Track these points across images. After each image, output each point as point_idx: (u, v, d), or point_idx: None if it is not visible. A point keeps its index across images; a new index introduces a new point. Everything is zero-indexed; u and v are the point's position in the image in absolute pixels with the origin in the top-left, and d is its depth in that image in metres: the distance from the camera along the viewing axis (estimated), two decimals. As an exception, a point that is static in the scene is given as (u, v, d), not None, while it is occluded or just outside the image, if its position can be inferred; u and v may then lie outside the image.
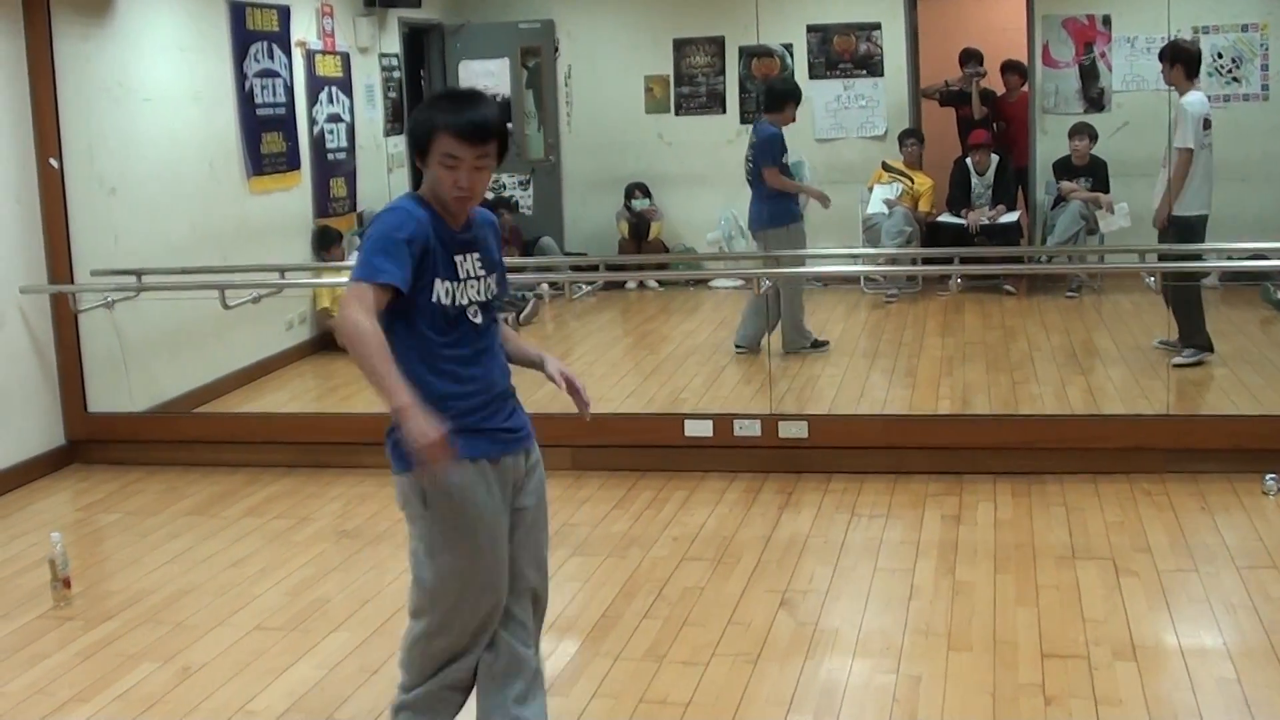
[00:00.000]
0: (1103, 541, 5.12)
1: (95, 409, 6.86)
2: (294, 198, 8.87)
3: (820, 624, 4.47)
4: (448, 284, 3.09)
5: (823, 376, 7.81)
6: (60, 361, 6.79)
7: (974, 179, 10.26)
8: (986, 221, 10.00)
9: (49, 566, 4.89)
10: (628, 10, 11.46)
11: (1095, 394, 7.19)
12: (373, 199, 9.37)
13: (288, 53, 8.74)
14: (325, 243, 8.93)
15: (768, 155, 7.95)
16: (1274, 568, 4.79)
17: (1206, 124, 7.32)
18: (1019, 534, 5.23)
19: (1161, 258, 7.43)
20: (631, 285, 10.73)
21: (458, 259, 3.12)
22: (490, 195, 9.64)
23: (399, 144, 9.98)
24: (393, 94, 10.32)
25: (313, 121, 9.05)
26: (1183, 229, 7.28)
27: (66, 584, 4.89)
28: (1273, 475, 5.58)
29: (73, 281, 6.73)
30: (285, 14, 8.71)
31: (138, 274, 6.87)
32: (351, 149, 9.53)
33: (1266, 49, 9.85)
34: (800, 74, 10.72)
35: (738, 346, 8.20)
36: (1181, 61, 7.33)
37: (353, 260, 9.05)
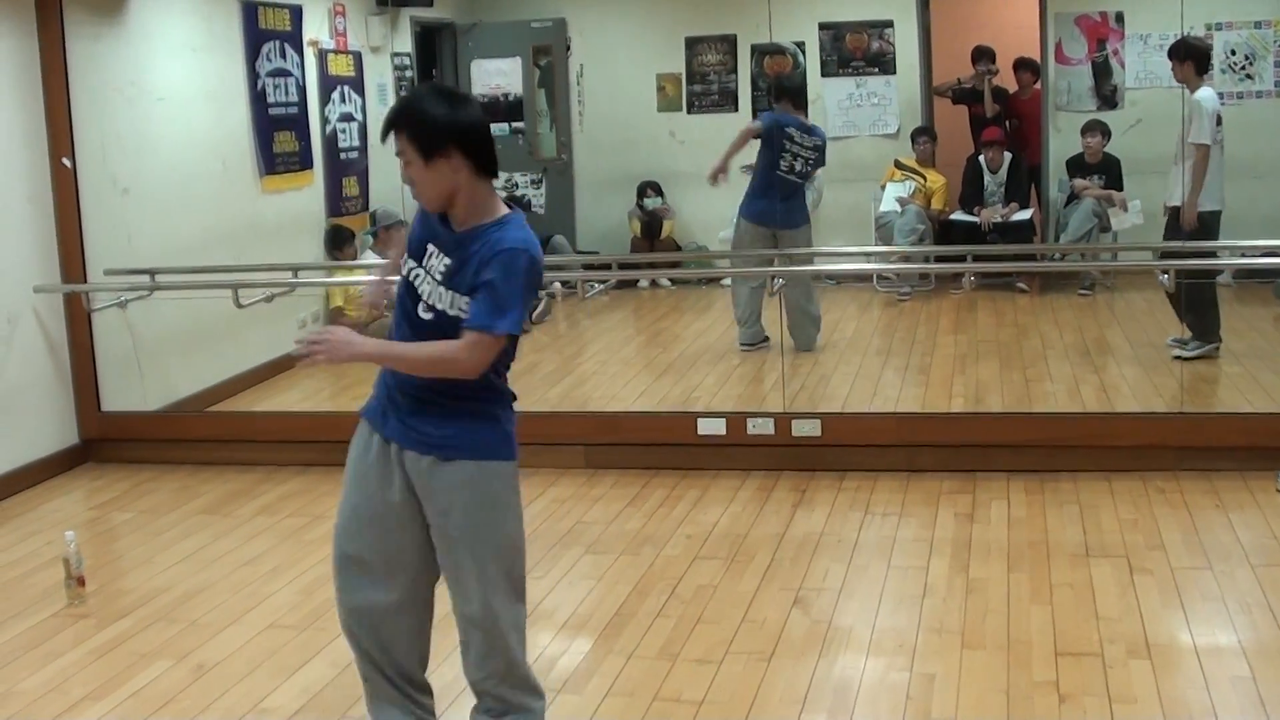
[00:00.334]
0: (1116, 539, 5.10)
1: (109, 408, 6.88)
2: (307, 197, 8.88)
3: (834, 622, 4.47)
4: (411, 263, 3.21)
5: (835, 375, 7.80)
6: (74, 361, 6.81)
7: (987, 177, 10.23)
8: (999, 219, 9.97)
9: (63, 565, 4.91)
10: (640, 8, 11.44)
11: (1109, 392, 7.17)
12: (385, 198, 9.36)
13: (300, 52, 8.75)
14: (338, 242, 8.94)
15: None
16: (1289, 566, 4.78)
17: (1218, 120, 7.31)
18: (1033, 532, 5.22)
19: (1174, 255, 7.40)
20: (644, 284, 10.72)
21: (430, 247, 3.18)
22: (503, 194, 9.65)
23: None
24: (405, 93, 10.32)
25: (325, 121, 9.06)
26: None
27: (80, 582, 4.90)
28: (1287, 473, 5.57)
29: (86, 281, 6.75)
30: (298, 13, 8.72)
31: (151, 273, 6.90)
32: (364, 148, 9.53)
33: (1279, 45, 9.82)
34: (812, 72, 10.73)
35: (743, 345, 8.22)
36: (1192, 58, 7.32)
37: (365, 259, 9.05)
